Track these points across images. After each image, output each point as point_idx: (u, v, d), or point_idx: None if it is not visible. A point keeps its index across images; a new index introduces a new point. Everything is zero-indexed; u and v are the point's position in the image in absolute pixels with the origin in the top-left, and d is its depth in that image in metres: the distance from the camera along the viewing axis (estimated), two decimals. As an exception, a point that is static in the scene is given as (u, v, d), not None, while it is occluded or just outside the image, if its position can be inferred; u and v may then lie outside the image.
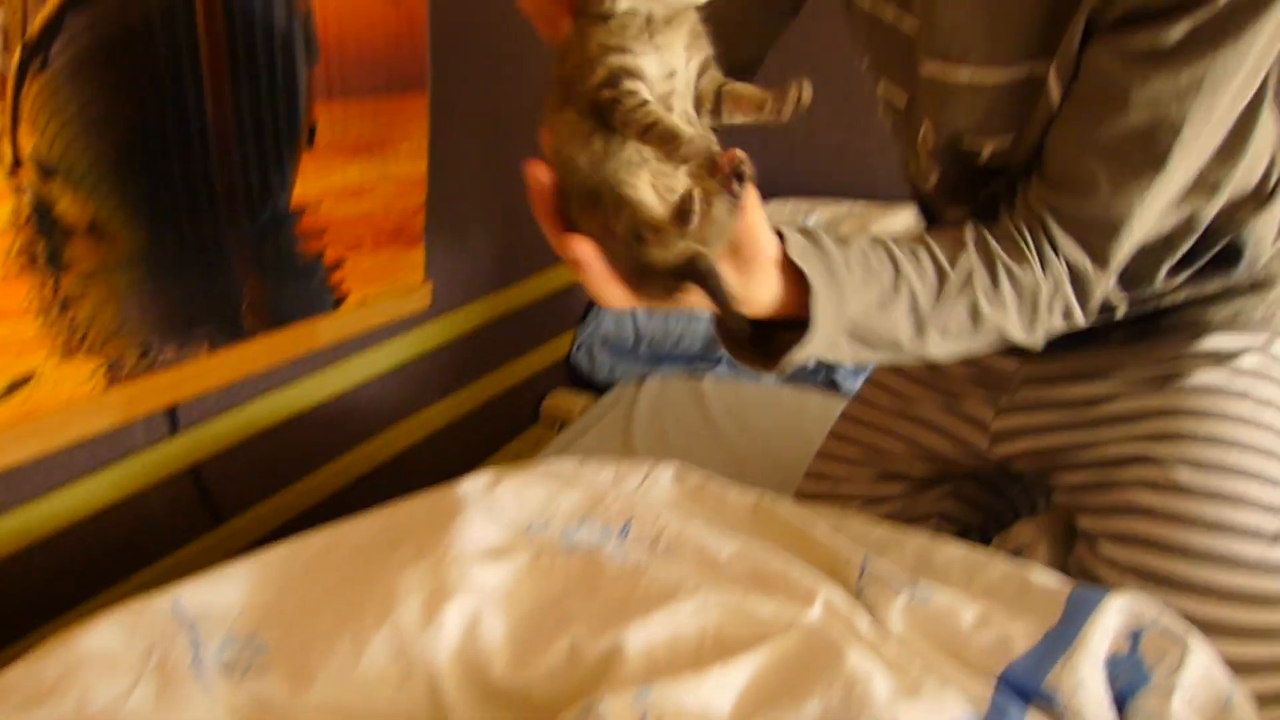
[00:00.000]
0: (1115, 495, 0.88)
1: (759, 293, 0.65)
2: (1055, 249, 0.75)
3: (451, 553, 0.72)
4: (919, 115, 0.84)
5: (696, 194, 0.55)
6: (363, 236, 1.21)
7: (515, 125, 1.53)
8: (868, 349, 0.74)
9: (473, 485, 0.86)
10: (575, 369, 1.87)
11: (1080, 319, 0.79)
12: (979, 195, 0.86)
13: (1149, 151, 0.70)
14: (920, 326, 0.73)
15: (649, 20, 0.54)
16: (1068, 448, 0.94)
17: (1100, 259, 0.75)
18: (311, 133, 1.08)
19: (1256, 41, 0.66)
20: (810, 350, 0.68)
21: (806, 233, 0.68)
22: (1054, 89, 0.73)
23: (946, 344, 0.76)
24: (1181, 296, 0.86)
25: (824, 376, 1.68)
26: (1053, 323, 0.78)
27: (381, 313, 1.29)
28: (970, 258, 0.74)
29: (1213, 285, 0.88)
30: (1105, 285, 0.78)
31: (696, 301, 0.63)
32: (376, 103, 1.17)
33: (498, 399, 1.68)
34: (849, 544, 0.77)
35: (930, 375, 1.05)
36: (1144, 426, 0.89)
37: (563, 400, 1.77)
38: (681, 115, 0.56)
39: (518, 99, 1.52)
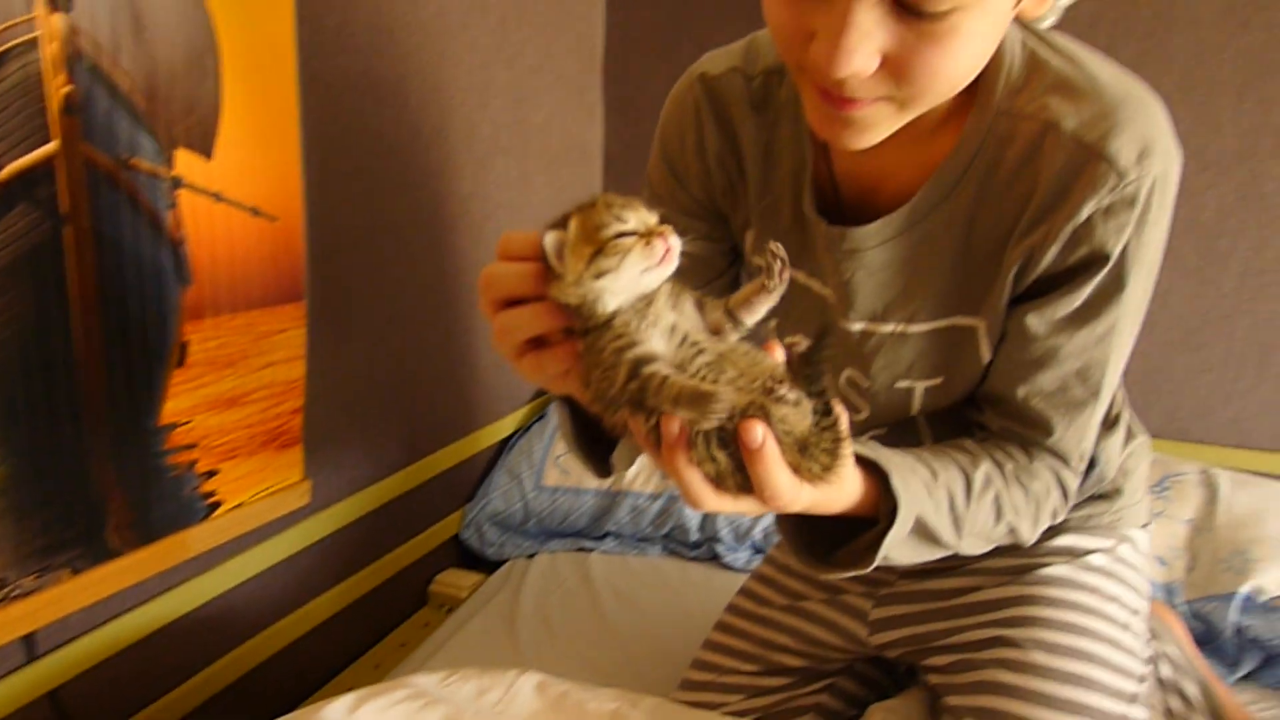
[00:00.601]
0: (977, 674, 0.95)
1: (849, 485, 0.71)
2: (1040, 459, 0.86)
3: (300, 796, 0.73)
4: (839, 364, 0.93)
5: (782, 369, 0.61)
6: (237, 444, 1.22)
7: (396, 318, 1.59)
8: (921, 545, 0.80)
9: (334, 711, 0.87)
10: (465, 547, 1.87)
11: (1063, 514, 0.90)
12: (902, 421, 0.95)
13: (1086, 386, 0.82)
14: (958, 523, 0.80)
15: (635, 309, 0.60)
16: (936, 634, 1.02)
17: (1072, 466, 0.87)
18: (183, 351, 1.12)
19: (1144, 274, 0.78)
20: (898, 533, 0.74)
21: None
22: (984, 346, 0.84)
23: (973, 541, 0.84)
24: None
25: (707, 549, 1.73)
26: (1046, 520, 0.88)
27: (257, 515, 1.30)
28: (986, 464, 0.83)
29: None
30: (1078, 482, 0.89)
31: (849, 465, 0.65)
32: (252, 315, 1.21)
33: (386, 584, 1.68)
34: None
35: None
36: (1003, 613, 0.98)
37: (452, 580, 1.77)
38: (712, 355, 0.61)
39: (398, 295, 1.58)
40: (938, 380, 0.88)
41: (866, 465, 0.73)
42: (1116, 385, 0.87)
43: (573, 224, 0.60)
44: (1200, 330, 1.89)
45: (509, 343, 0.65)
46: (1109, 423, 0.98)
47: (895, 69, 0.64)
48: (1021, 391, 0.82)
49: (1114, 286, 0.77)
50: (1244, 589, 1.43)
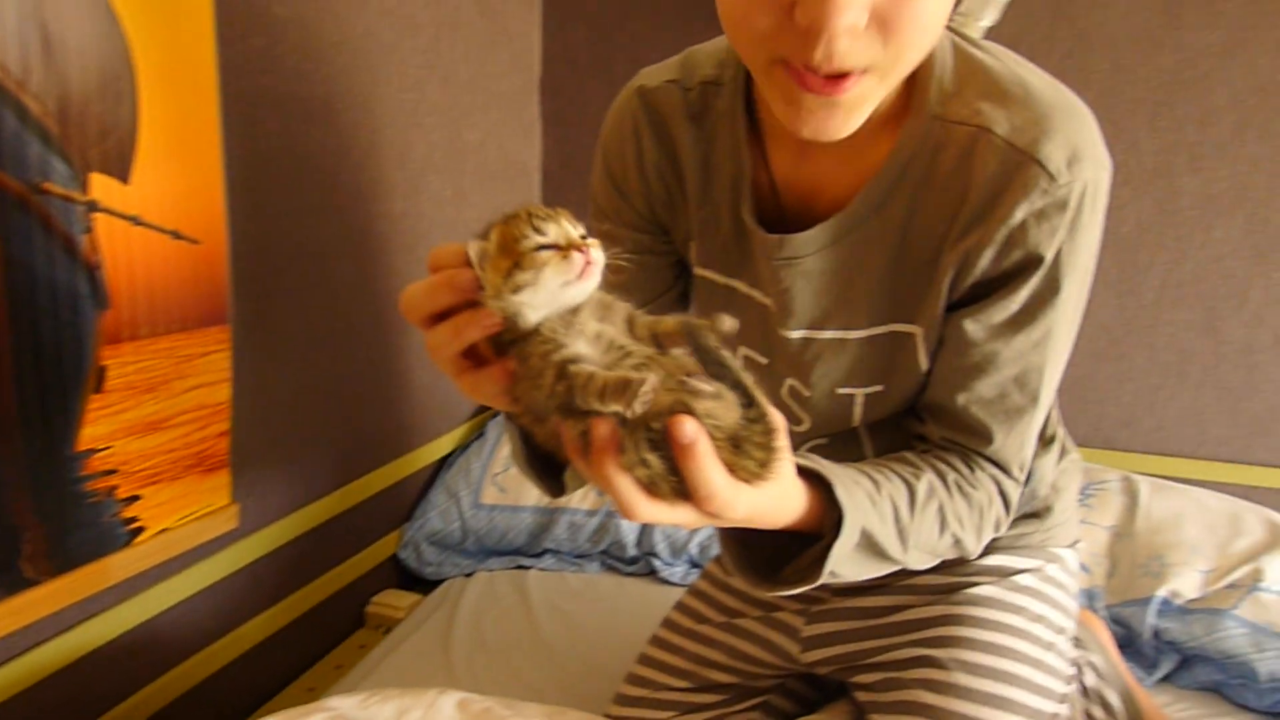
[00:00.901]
0: (901, 694, 0.96)
1: (792, 495, 0.70)
2: (981, 469, 0.86)
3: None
4: (781, 373, 0.93)
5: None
6: (160, 469, 1.21)
7: (328, 338, 1.58)
8: (867, 559, 0.79)
9: (248, 738, 0.86)
10: (403, 567, 1.86)
11: (1005, 526, 0.90)
12: (843, 433, 0.95)
13: (1024, 393, 0.83)
14: (903, 535, 0.80)
15: (561, 319, 0.60)
16: (866, 652, 1.03)
17: (1013, 475, 0.87)
18: (101, 376, 1.10)
19: (1078, 280, 0.80)
20: (844, 545, 0.73)
21: None
22: (922, 353, 0.84)
23: (919, 554, 0.83)
24: None
25: (644, 564, 1.74)
26: (990, 531, 0.88)
27: (183, 540, 1.28)
28: (929, 475, 0.83)
29: None
30: (1020, 492, 0.89)
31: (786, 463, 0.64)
32: (174, 340, 1.20)
33: (321, 606, 1.66)
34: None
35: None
36: (929, 632, 0.98)
37: (390, 601, 1.76)
38: (640, 358, 0.60)
39: (329, 315, 1.57)
40: (878, 387, 0.89)
41: (809, 478, 0.73)
42: (1054, 393, 0.88)
43: (493, 235, 0.60)
44: (1123, 340, 1.94)
45: (440, 360, 0.64)
46: (1044, 440, 1.00)
47: (884, 25, 0.64)
48: (961, 399, 0.83)
49: (1049, 291, 0.78)
50: (1161, 593, 1.47)
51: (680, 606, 1.21)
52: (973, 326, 0.80)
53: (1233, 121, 1.80)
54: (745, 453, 0.61)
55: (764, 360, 0.94)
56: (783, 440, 0.64)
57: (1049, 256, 0.76)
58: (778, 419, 0.63)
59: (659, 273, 0.99)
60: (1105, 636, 1.34)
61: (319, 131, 1.50)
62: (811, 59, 0.65)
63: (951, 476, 0.84)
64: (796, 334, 0.88)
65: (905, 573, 0.97)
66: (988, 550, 0.99)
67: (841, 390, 0.90)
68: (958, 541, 0.85)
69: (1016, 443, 0.85)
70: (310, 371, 1.55)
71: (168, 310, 1.18)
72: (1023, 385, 0.82)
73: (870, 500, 0.77)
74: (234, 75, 1.29)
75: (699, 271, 0.95)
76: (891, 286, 0.84)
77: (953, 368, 0.83)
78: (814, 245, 0.83)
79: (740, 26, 0.69)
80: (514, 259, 0.58)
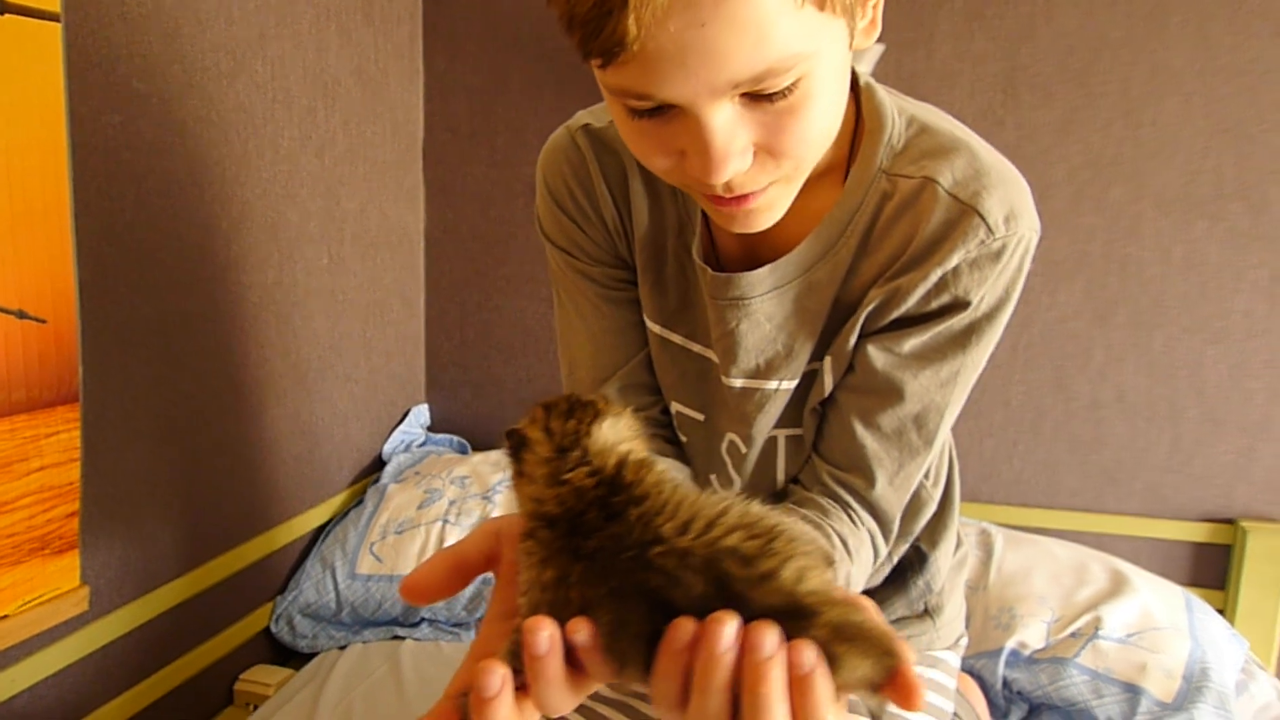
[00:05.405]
0: None
1: None
2: (862, 523, 0.85)
3: None
4: (721, 428, 0.92)
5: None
6: (0, 554, 1.18)
7: (195, 413, 1.56)
8: None
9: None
10: (276, 641, 1.83)
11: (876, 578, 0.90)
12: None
13: (921, 434, 0.83)
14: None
15: None
16: None
17: (888, 531, 0.87)
18: (-65, 461, 1.08)
19: (991, 332, 0.81)
20: None
21: None
22: (828, 379, 0.85)
23: None
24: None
25: (518, 630, 1.74)
26: (863, 575, 0.87)
27: (25, 628, 1.24)
28: (805, 521, 0.80)
29: (897, 607, 0.99)
30: (886, 550, 0.88)
31: None
32: (16, 421, 1.18)
33: (186, 685, 1.62)
34: None
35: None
36: None
37: (259, 677, 1.72)
38: None
39: (196, 389, 1.56)
40: (797, 430, 0.89)
41: None
42: (942, 443, 0.88)
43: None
44: (980, 399, 2.04)
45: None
46: (943, 527, 1.00)
47: (770, 152, 0.66)
48: (859, 428, 0.83)
49: (964, 335, 0.80)
50: (1009, 644, 1.54)
51: None
52: (881, 355, 0.81)
53: (1069, 194, 1.93)
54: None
55: (700, 416, 0.94)
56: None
57: (974, 302, 0.78)
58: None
59: (627, 315, 0.94)
60: (981, 706, 1.36)
61: (183, 205, 1.50)
62: (712, 191, 0.69)
63: (852, 542, 0.83)
64: (739, 382, 0.88)
65: None
66: None
67: (770, 434, 0.90)
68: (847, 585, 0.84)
69: (901, 491, 0.86)
70: (169, 447, 1.53)
71: (9, 391, 1.16)
72: (921, 425, 0.83)
73: None
74: (87, 152, 1.29)
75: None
76: (824, 330, 0.85)
77: (857, 393, 0.84)
78: (762, 286, 0.83)
79: (644, 160, 0.71)
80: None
